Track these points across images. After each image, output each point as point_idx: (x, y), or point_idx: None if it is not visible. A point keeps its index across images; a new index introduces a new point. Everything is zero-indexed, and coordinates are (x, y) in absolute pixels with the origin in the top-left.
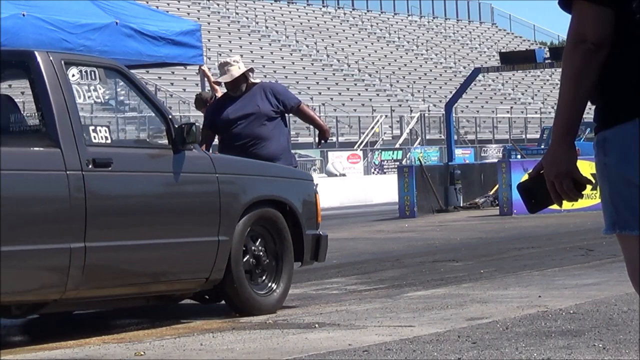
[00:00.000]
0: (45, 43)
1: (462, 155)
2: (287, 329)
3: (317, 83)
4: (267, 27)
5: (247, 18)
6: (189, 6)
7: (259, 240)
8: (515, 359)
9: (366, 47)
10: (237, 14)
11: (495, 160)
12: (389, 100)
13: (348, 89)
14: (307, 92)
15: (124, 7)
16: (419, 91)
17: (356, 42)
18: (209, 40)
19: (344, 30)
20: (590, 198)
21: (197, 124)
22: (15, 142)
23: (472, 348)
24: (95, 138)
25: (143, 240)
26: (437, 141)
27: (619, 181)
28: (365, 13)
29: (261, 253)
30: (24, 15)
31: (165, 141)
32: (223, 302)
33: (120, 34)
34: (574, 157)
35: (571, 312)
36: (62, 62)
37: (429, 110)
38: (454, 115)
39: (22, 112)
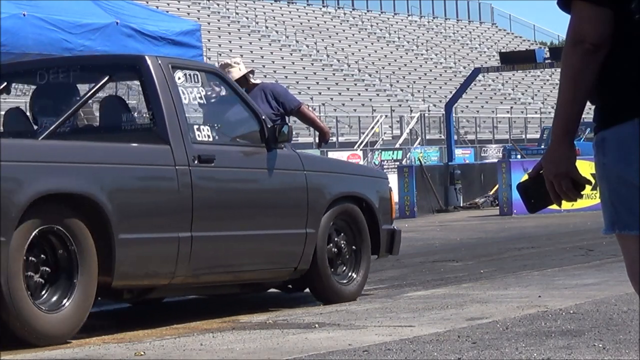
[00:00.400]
0: (45, 43)
1: (462, 155)
2: (287, 329)
3: (317, 83)
4: (267, 27)
5: (247, 18)
6: (189, 6)
7: (341, 233)
8: (515, 359)
9: (366, 47)
10: (237, 14)
11: (495, 160)
12: (389, 100)
13: (348, 89)
14: (307, 92)
15: (124, 7)
16: (419, 91)
17: (356, 42)
18: (209, 40)
19: (344, 30)
20: (590, 198)
21: (288, 124)
22: (128, 139)
23: (472, 348)
24: (199, 136)
25: (241, 231)
26: (437, 141)
27: (618, 181)
28: (365, 13)
29: (342, 245)
30: (24, 15)
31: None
32: (303, 291)
33: (120, 34)
34: (573, 157)
35: (571, 312)
36: (170, 65)
37: (429, 110)
38: (454, 115)
39: (131, 112)
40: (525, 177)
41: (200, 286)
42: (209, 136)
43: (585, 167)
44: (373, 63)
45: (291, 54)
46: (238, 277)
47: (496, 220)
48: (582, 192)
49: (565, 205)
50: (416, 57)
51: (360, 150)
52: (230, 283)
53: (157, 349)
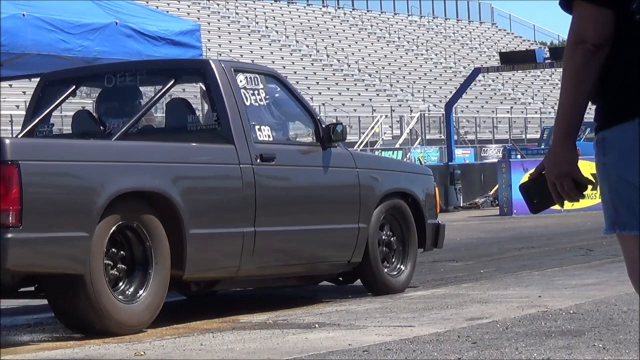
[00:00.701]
0: (44, 44)
1: (462, 155)
2: (287, 329)
3: (317, 83)
4: (267, 27)
5: (247, 18)
6: (189, 6)
7: (390, 227)
8: (515, 359)
9: (366, 47)
10: (237, 14)
11: (495, 160)
12: (389, 100)
13: (348, 89)
14: (307, 92)
15: (123, 7)
16: (419, 91)
17: (356, 42)
18: (209, 40)
19: (344, 30)
20: (590, 198)
21: (342, 124)
22: (193, 140)
23: (472, 348)
24: (260, 136)
25: (299, 226)
26: (437, 141)
27: (618, 181)
28: (365, 13)
29: (391, 239)
30: (24, 15)
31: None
32: (353, 283)
33: (120, 34)
34: (575, 157)
35: (571, 312)
36: (232, 69)
37: (429, 110)
38: (454, 115)
39: (196, 114)
40: (527, 177)
41: (260, 279)
42: (269, 136)
43: (586, 167)
44: (373, 63)
45: (291, 54)
46: (296, 270)
47: (496, 220)
48: (584, 193)
49: (565, 205)
50: (416, 57)
51: (361, 150)
52: (288, 276)
53: (157, 349)
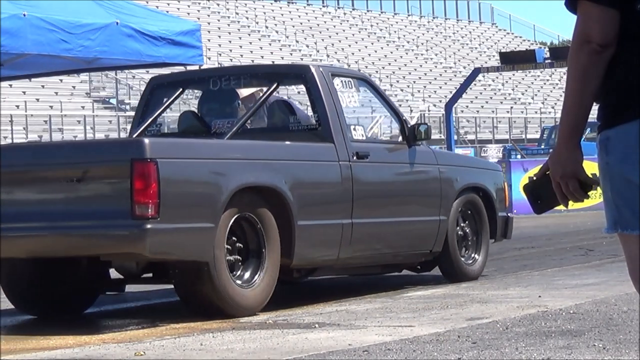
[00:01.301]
0: (44, 44)
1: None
2: (287, 329)
3: None
4: (267, 27)
5: (247, 18)
6: (189, 6)
7: (465, 220)
8: (515, 359)
9: (366, 47)
10: (237, 14)
11: (496, 160)
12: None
13: None
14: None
15: (124, 7)
16: (419, 91)
17: (356, 42)
18: (209, 40)
19: (344, 30)
20: (591, 198)
21: (427, 124)
22: (296, 138)
23: (472, 348)
24: (355, 135)
25: (390, 218)
26: (437, 141)
27: (621, 181)
28: (365, 13)
29: (467, 230)
30: (24, 15)
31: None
32: (430, 271)
33: (120, 34)
34: (579, 157)
35: (571, 312)
36: (330, 73)
37: (429, 110)
38: (454, 115)
39: (296, 115)
40: (527, 177)
41: (352, 266)
42: (362, 135)
43: (587, 167)
44: (373, 63)
45: (291, 54)
46: (386, 259)
47: None
48: (589, 193)
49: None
50: (416, 57)
51: None
52: (376, 264)
53: (157, 349)
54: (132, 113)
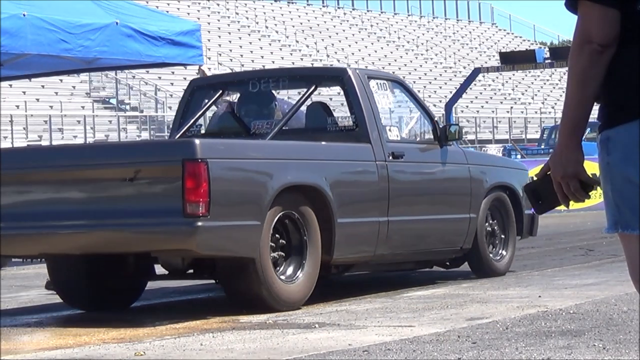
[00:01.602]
0: (44, 44)
1: None
2: (287, 329)
3: None
4: (267, 27)
5: (247, 18)
6: (189, 6)
7: (493, 217)
8: (515, 359)
9: (366, 47)
10: (237, 14)
11: None
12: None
13: None
14: None
15: (124, 7)
16: (419, 91)
17: (356, 42)
18: (209, 40)
19: (344, 30)
20: (591, 198)
21: (457, 125)
22: (333, 139)
23: (472, 348)
24: (390, 136)
25: (423, 215)
26: None
27: (621, 180)
28: (365, 13)
29: (495, 227)
30: (24, 15)
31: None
32: (459, 267)
33: (120, 34)
34: (580, 157)
35: (571, 312)
36: (366, 76)
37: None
38: (454, 115)
39: (334, 116)
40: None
41: (387, 263)
42: (397, 135)
43: (587, 167)
44: (373, 63)
45: (291, 54)
46: (419, 256)
47: None
48: (590, 193)
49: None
50: (416, 57)
51: None
52: (410, 260)
53: (157, 349)
54: (132, 113)
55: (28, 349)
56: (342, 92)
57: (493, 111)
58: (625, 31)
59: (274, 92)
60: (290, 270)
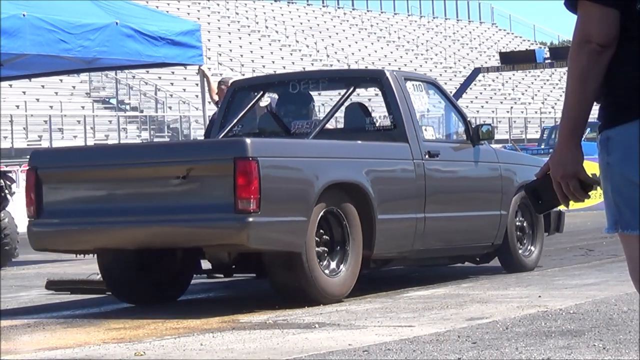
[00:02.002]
0: (44, 44)
1: None
2: (287, 329)
3: None
4: (267, 27)
5: (247, 18)
6: (189, 6)
7: (522, 214)
8: (515, 359)
9: (366, 47)
10: (237, 14)
11: None
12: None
13: None
14: None
15: (123, 7)
16: None
17: (356, 42)
18: (209, 40)
19: (344, 30)
20: (591, 198)
21: (490, 125)
22: (371, 138)
23: (472, 348)
24: (426, 135)
25: (458, 212)
26: None
27: (621, 180)
28: (365, 13)
29: (524, 224)
30: (24, 15)
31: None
32: (488, 263)
33: (120, 34)
34: (580, 157)
35: (571, 312)
36: (403, 77)
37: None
38: None
39: (372, 116)
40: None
41: (422, 258)
42: (432, 135)
43: (587, 167)
44: (373, 63)
45: (291, 54)
46: (453, 252)
47: None
48: (590, 193)
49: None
50: (416, 57)
51: None
52: (443, 255)
53: (157, 349)
54: (132, 113)
55: (28, 349)
56: (379, 94)
57: (493, 111)
58: (624, 31)
59: (311, 93)
60: (333, 265)
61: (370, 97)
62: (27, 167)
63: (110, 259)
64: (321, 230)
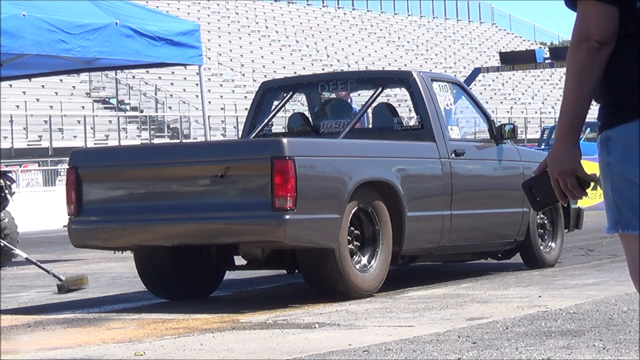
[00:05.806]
0: (44, 44)
1: None
2: (287, 329)
3: None
4: (267, 27)
5: (247, 18)
6: (189, 6)
7: (543, 211)
8: (515, 359)
9: (366, 47)
10: (237, 14)
11: None
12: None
13: None
14: None
15: (123, 7)
16: None
17: (356, 42)
18: (209, 40)
19: (344, 30)
20: (590, 198)
21: (513, 124)
22: (399, 138)
23: (472, 348)
24: (452, 135)
25: (482, 209)
26: None
27: (621, 180)
28: (365, 13)
29: (545, 221)
30: (24, 15)
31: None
32: (510, 259)
33: (119, 34)
34: (577, 154)
35: (571, 312)
36: (429, 78)
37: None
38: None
39: (399, 116)
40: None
41: (449, 254)
42: (457, 134)
43: (587, 168)
44: (373, 63)
45: (291, 54)
46: (477, 248)
47: None
48: (587, 190)
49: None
50: (416, 57)
51: None
52: (468, 251)
53: (157, 349)
54: (132, 113)
55: (28, 349)
56: (407, 95)
57: (493, 111)
58: (624, 29)
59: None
60: (364, 260)
61: (389, 97)
62: (68, 167)
63: (146, 256)
64: (352, 227)
